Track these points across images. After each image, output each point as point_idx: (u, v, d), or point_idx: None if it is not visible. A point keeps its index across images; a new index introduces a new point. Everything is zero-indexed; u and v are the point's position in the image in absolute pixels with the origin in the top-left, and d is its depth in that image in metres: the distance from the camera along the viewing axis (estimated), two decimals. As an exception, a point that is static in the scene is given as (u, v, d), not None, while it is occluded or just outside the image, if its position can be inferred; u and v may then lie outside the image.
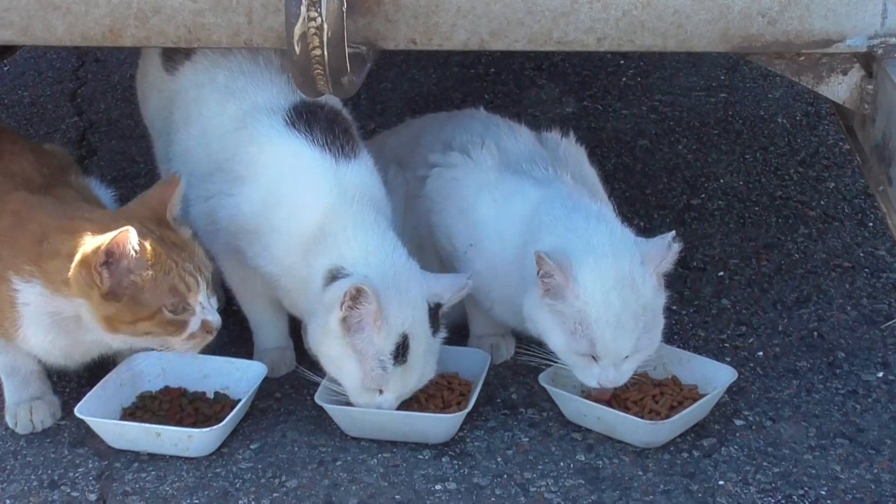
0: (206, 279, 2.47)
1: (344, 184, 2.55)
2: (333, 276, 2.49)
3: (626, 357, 2.50)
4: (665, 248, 2.49)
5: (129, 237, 2.34)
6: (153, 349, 2.53)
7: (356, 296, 2.40)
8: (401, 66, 4.44)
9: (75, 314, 2.44)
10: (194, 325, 2.45)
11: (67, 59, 4.58)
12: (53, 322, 2.47)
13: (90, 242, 2.37)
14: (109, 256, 2.35)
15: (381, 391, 2.51)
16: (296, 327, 2.83)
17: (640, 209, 3.46)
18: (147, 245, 2.38)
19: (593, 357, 2.48)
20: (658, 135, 3.96)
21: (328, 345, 2.47)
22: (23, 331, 2.48)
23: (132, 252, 2.35)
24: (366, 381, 2.47)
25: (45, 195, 2.57)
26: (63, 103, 4.26)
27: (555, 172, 2.70)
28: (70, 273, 2.37)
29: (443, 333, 2.57)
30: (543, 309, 2.49)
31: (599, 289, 2.44)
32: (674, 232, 2.52)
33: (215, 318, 2.48)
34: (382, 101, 4.17)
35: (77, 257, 2.37)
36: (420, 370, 2.52)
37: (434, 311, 2.53)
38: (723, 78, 4.34)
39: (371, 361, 2.45)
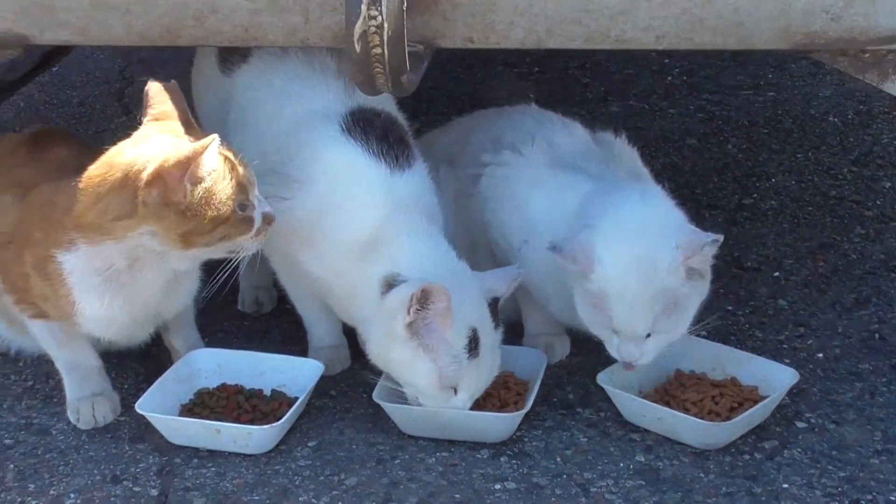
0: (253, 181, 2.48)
1: (397, 194, 2.56)
2: (390, 284, 2.50)
3: (649, 336, 2.52)
4: (698, 244, 2.48)
5: (213, 147, 2.34)
6: (223, 257, 2.49)
7: (423, 297, 2.40)
8: (445, 65, 4.45)
9: (129, 258, 2.45)
10: (258, 219, 2.47)
11: (114, 59, 4.63)
12: (103, 280, 2.48)
13: (167, 156, 2.35)
14: (196, 168, 2.34)
15: (455, 392, 2.51)
16: (350, 326, 2.85)
17: (690, 208, 3.40)
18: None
19: (615, 332, 2.52)
20: (706, 134, 3.95)
21: (397, 351, 2.48)
22: (78, 305, 2.51)
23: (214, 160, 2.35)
24: (442, 380, 2.47)
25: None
26: (110, 103, 4.30)
27: (609, 168, 2.71)
28: (140, 196, 2.35)
29: (501, 329, 2.57)
30: (578, 291, 2.54)
31: (619, 267, 2.47)
32: (722, 236, 2.51)
33: (271, 209, 2.49)
34: (427, 100, 4.18)
35: (149, 174, 2.34)
36: (490, 364, 2.53)
37: (493, 305, 2.54)
38: (770, 76, 4.33)
39: (445, 358, 2.46)
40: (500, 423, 2.57)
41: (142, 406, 2.60)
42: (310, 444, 2.61)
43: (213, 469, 2.54)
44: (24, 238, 2.57)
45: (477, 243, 2.81)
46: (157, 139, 2.45)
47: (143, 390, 2.66)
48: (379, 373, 2.61)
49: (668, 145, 3.87)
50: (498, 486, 2.47)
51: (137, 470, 2.55)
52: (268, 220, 2.48)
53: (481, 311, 2.52)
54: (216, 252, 2.48)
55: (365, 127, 2.59)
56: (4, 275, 2.64)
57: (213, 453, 2.58)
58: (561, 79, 4.40)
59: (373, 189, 2.56)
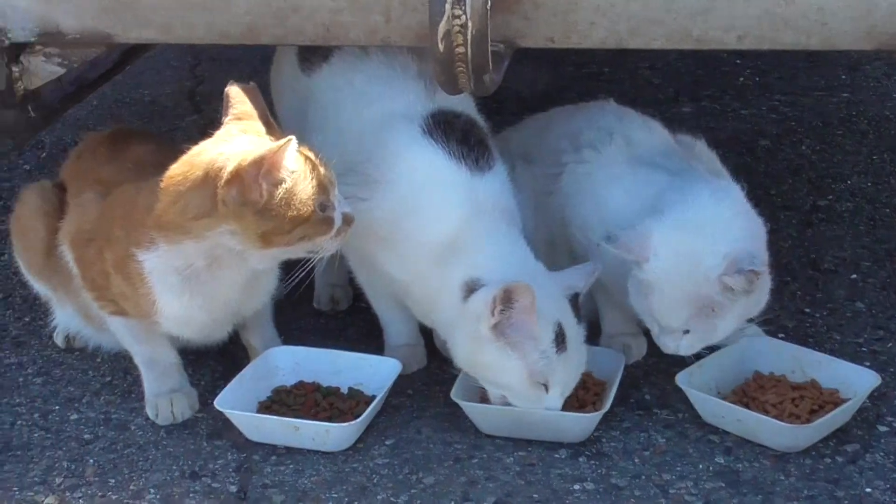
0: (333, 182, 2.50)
1: (477, 197, 2.57)
2: (470, 288, 2.50)
3: (687, 332, 2.56)
4: (739, 266, 2.49)
5: (292, 147, 2.36)
6: (302, 258, 2.51)
7: (506, 297, 2.41)
8: (515, 66, 4.43)
9: (208, 257, 2.47)
10: (338, 219, 2.48)
11: (184, 58, 4.67)
12: (183, 280, 2.51)
13: (246, 155, 2.37)
14: (273, 167, 2.36)
15: (546, 389, 2.51)
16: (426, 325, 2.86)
17: (765, 210, 3.39)
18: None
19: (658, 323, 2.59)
20: (779, 135, 3.93)
21: (483, 353, 2.48)
22: (158, 303, 2.54)
23: (293, 161, 2.37)
24: (532, 376, 2.47)
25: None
26: (182, 101, 4.34)
27: (689, 164, 2.71)
28: (220, 194, 2.37)
29: (583, 325, 2.58)
30: (632, 280, 2.59)
31: (667, 259, 2.51)
32: (763, 270, 2.53)
33: (351, 209, 2.51)
34: (497, 101, 4.15)
35: (229, 173, 2.36)
36: (578, 358, 2.54)
37: (573, 300, 2.55)
38: (844, 77, 4.30)
39: (533, 354, 2.46)
40: (578, 424, 2.57)
41: (220, 403, 2.62)
42: (387, 443, 2.62)
43: (291, 466, 2.56)
44: (105, 236, 2.60)
45: (555, 240, 2.82)
46: (238, 139, 2.47)
47: (220, 387, 2.69)
48: (454, 370, 2.62)
49: (741, 146, 3.85)
50: (577, 487, 2.47)
51: (216, 466, 2.58)
52: (348, 220, 2.50)
53: (563, 307, 2.53)
54: (296, 252, 2.50)
55: (445, 129, 2.60)
56: (85, 272, 2.67)
57: (290, 451, 2.60)
58: (631, 79, 4.39)
59: (453, 192, 2.57)
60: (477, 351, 2.50)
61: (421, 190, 2.58)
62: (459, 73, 2.37)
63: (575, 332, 2.53)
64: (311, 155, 2.46)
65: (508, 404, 2.54)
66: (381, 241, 2.60)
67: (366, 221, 2.59)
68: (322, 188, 2.45)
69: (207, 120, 4.12)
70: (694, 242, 2.52)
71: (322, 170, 2.47)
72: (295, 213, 2.41)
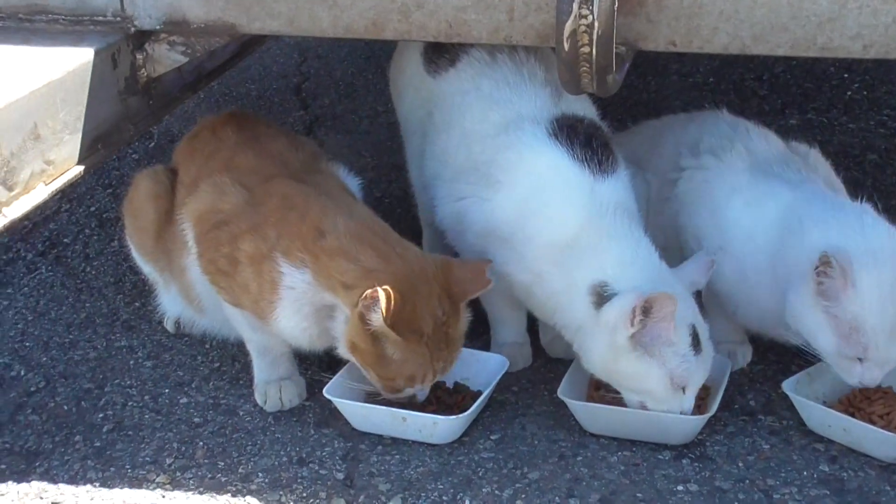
0: (445, 372, 2.63)
1: (599, 199, 2.63)
2: (599, 294, 2.55)
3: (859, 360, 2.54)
4: None
5: (381, 297, 2.44)
6: None
7: (647, 307, 2.46)
8: (620, 72, 4.49)
9: (331, 306, 2.57)
10: (405, 393, 2.62)
11: (290, 54, 4.77)
12: (312, 311, 2.60)
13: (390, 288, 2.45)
14: (394, 316, 2.46)
15: (683, 391, 2.56)
16: (532, 322, 2.93)
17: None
18: (418, 340, 2.52)
19: (859, 359, 2.51)
20: (888, 150, 3.94)
21: (621, 362, 2.53)
22: (279, 313, 2.61)
23: (378, 310, 2.45)
24: (674, 382, 2.53)
25: (306, 182, 2.70)
26: (289, 97, 4.44)
27: (807, 176, 2.74)
28: (358, 289, 2.48)
29: (708, 320, 2.62)
30: (814, 308, 2.52)
31: (877, 295, 2.46)
32: None
33: (422, 397, 2.65)
34: (601, 107, 4.23)
35: (374, 294, 2.44)
36: (709, 355, 2.59)
37: (696, 298, 2.61)
38: (955, 93, 4.30)
39: (674, 361, 2.51)
40: (684, 426, 2.62)
41: (329, 391, 2.70)
42: (492, 437, 2.69)
43: (397, 456, 2.64)
44: (249, 226, 2.64)
45: (668, 247, 2.86)
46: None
47: (328, 377, 2.77)
48: (556, 371, 2.68)
49: (849, 160, 3.87)
50: (680, 488, 2.52)
51: (323, 454, 2.66)
52: (411, 399, 2.64)
53: (692, 305, 2.58)
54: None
55: (569, 133, 2.67)
56: (207, 252, 2.71)
57: (396, 441, 2.68)
58: (737, 90, 4.42)
59: (574, 193, 2.63)
60: (614, 360, 2.55)
61: (543, 191, 2.64)
62: (583, 72, 2.43)
63: (704, 331, 2.58)
64: (435, 351, 2.56)
65: (646, 408, 2.60)
66: (502, 241, 2.66)
67: (486, 221, 2.66)
68: (412, 379, 2.58)
69: (313, 116, 4.25)
70: (892, 270, 2.48)
71: (428, 370, 2.58)
72: (378, 363, 2.55)
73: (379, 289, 2.43)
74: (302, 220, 2.59)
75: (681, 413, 2.57)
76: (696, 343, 2.53)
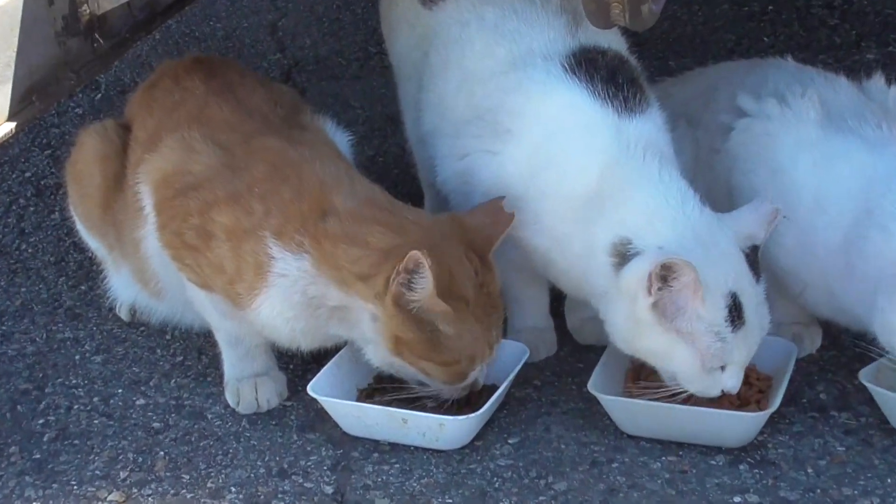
0: (499, 340, 2.63)
1: (625, 141, 2.62)
2: (621, 254, 2.55)
3: None
4: None
5: (423, 262, 2.44)
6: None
7: (664, 274, 2.45)
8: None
9: (341, 307, 2.57)
10: (469, 379, 2.61)
11: (264, -14, 4.76)
12: (304, 303, 2.59)
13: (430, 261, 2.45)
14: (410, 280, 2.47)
15: (722, 369, 2.56)
16: (557, 302, 2.93)
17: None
18: (465, 309, 2.53)
19: None
20: None
21: (646, 338, 2.54)
22: (261, 300, 2.60)
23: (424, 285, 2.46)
24: (706, 363, 2.52)
25: (293, 143, 2.69)
26: (262, 37, 4.43)
27: (889, 131, 2.72)
28: (380, 276, 2.48)
29: (763, 281, 2.60)
30: None
31: None
32: None
33: (482, 380, 2.65)
34: (639, 43, 4.21)
35: (412, 261, 2.44)
36: (759, 325, 2.58)
37: (751, 255, 2.58)
38: None
39: (706, 338, 2.51)
40: (740, 425, 2.62)
41: (314, 389, 2.70)
42: (511, 441, 2.69)
43: (396, 465, 2.64)
44: (227, 194, 2.64)
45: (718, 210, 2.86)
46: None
47: (313, 372, 2.76)
48: (585, 361, 2.69)
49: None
50: (737, 499, 2.52)
51: (308, 463, 2.66)
52: (474, 387, 2.65)
53: (738, 267, 2.55)
54: (408, 375, 2.63)
55: (589, 67, 2.66)
56: (169, 222, 2.70)
57: (396, 447, 2.68)
58: (801, 20, 4.40)
59: (597, 135, 2.62)
60: (637, 335, 2.55)
61: (560, 137, 2.64)
62: (613, 2, 2.43)
63: (753, 297, 2.55)
64: (485, 317, 2.58)
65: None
66: (515, 200, 2.66)
67: (496, 178, 2.66)
68: (472, 359, 2.58)
69: (292, 60, 4.24)
70: None
71: (485, 342, 2.58)
72: (434, 349, 2.54)
73: (415, 253, 2.42)
74: (299, 195, 2.58)
75: (723, 392, 2.56)
76: (735, 315, 2.52)
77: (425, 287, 2.44)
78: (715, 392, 2.57)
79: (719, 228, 2.58)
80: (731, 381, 2.57)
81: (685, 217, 2.57)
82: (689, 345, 2.51)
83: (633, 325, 2.54)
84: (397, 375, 2.64)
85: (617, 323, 2.59)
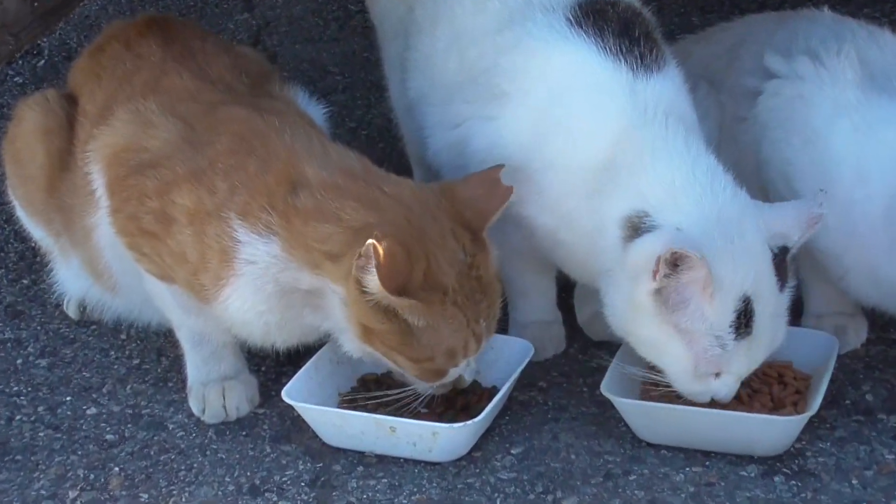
0: (491, 332, 2.61)
1: (642, 102, 2.61)
2: (635, 227, 2.53)
3: None
4: None
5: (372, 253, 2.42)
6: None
7: (674, 261, 2.44)
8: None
9: (313, 291, 2.56)
10: (450, 376, 2.59)
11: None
12: (277, 292, 2.58)
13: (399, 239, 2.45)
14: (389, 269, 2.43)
15: (716, 374, 2.55)
16: (566, 293, 2.92)
17: None
18: (441, 299, 2.50)
19: None
20: None
21: (639, 324, 2.54)
22: (229, 293, 2.59)
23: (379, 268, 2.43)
24: (699, 367, 2.52)
25: (260, 110, 2.67)
26: (228, -6, 4.43)
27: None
28: (349, 256, 2.46)
29: (792, 284, 2.58)
30: None
31: None
32: None
33: (470, 378, 2.64)
34: (654, -3, 4.22)
35: (375, 250, 2.42)
36: (769, 338, 2.56)
37: (780, 256, 2.56)
38: None
39: (704, 340, 2.50)
40: (774, 430, 2.61)
41: (290, 394, 2.68)
42: (513, 452, 2.68)
43: (384, 480, 2.63)
44: (188, 172, 2.62)
45: (744, 185, 2.84)
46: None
47: (288, 375, 2.76)
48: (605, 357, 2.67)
49: None
50: (772, 515, 2.52)
51: (284, 479, 2.65)
52: (458, 384, 2.63)
53: (760, 266, 2.53)
54: (383, 363, 2.62)
55: (598, 20, 2.65)
56: (123, 204, 2.68)
57: (383, 460, 2.67)
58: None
59: (608, 96, 2.61)
60: (632, 320, 2.55)
61: (565, 98, 2.63)
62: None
63: (769, 305, 2.53)
64: (470, 307, 2.54)
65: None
66: (515, 172, 2.64)
67: (493, 148, 2.65)
68: (453, 354, 2.55)
69: (261, 21, 4.23)
70: None
71: (469, 335, 2.55)
72: (405, 342, 2.52)
73: (369, 242, 2.40)
74: (265, 168, 2.57)
75: (712, 399, 2.56)
76: (744, 322, 2.50)
77: (375, 282, 2.42)
78: (704, 399, 2.57)
79: (750, 218, 2.56)
80: (724, 390, 2.57)
81: (713, 196, 2.55)
82: (685, 343, 2.51)
83: (630, 308, 2.54)
84: (379, 364, 2.65)
85: (614, 303, 2.58)
